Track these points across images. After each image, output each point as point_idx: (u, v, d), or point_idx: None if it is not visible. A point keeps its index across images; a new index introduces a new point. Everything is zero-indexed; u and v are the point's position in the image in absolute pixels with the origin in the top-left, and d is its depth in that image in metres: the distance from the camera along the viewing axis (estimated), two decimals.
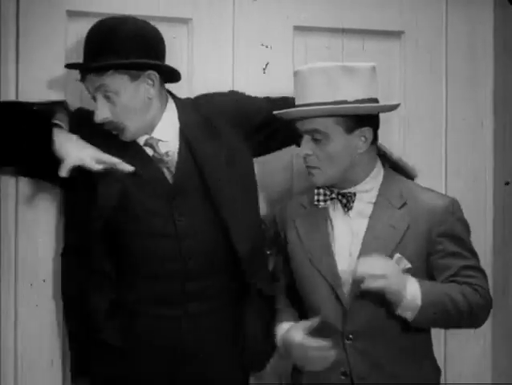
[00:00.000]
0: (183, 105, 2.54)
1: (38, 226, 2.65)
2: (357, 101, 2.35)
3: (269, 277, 2.54)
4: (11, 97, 2.63)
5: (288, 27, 2.86)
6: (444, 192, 2.88)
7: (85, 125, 2.46)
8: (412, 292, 2.27)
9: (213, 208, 2.45)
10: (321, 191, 2.44)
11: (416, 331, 2.37)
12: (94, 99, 2.43)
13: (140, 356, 2.44)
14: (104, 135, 2.45)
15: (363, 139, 2.38)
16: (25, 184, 2.64)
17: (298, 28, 2.87)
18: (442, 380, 2.65)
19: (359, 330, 2.36)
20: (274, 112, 2.47)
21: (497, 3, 3.00)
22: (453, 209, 2.38)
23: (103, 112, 2.41)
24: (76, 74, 2.51)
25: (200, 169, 2.46)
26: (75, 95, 2.69)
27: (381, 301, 2.31)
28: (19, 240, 2.65)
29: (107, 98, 2.41)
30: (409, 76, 2.97)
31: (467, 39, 3.01)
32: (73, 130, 2.45)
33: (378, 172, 2.45)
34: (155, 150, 2.48)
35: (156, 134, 2.49)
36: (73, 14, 2.70)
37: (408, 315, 2.29)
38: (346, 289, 2.37)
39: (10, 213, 2.64)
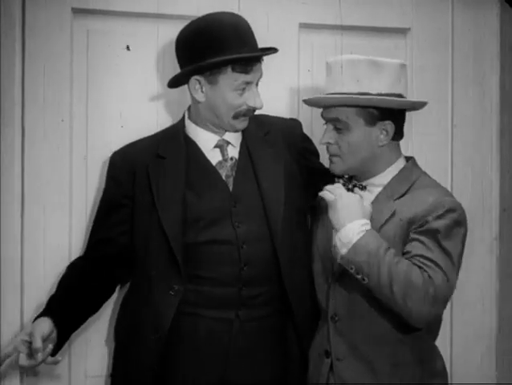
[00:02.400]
0: None
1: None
2: (380, 95, 2.38)
3: (308, 311, 2.54)
4: (16, 95, 2.65)
5: (293, 24, 2.86)
6: (449, 189, 2.87)
7: (133, 156, 2.54)
8: (355, 227, 2.30)
9: (266, 217, 2.50)
10: (340, 181, 2.47)
11: (397, 320, 2.35)
12: (244, 89, 2.46)
13: (190, 354, 2.46)
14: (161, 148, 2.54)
15: (384, 132, 2.42)
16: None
17: (303, 25, 2.87)
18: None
19: (340, 311, 2.41)
20: (303, 99, 2.54)
21: (502, 1, 2.99)
22: (442, 206, 2.33)
23: (260, 100, 2.49)
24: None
25: (257, 178, 2.51)
26: (82, 90, 2.71)
27: (361, 285, 2.33)
28: None
29: (257, 86, 2.48)
30: (415, 73, 2.96)
31: (473, 36, 3.00)
32: (127, 170, 2.53)
33: (395, 168, 2.46)
34: (223, 153, 2.53)
35: (226, 137, 2.54)
36: (78, 12, 2.71)
37: (343, 251, 2.29)
38: (335, 269, 2.42)
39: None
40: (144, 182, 2.50)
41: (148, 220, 2.47)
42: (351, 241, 2.29)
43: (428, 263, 2.28)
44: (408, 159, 2.51)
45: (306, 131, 2.71)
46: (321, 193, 2.38)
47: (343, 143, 2.41)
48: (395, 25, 2.94)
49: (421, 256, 2.29)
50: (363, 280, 2.29)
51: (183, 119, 2.59)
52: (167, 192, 2.47)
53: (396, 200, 2.40)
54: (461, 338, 3.01)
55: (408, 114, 2.95)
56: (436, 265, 2.28)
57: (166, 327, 2.43)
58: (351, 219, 2.31)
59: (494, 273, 3.03)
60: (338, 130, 2.42)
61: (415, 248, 2.31)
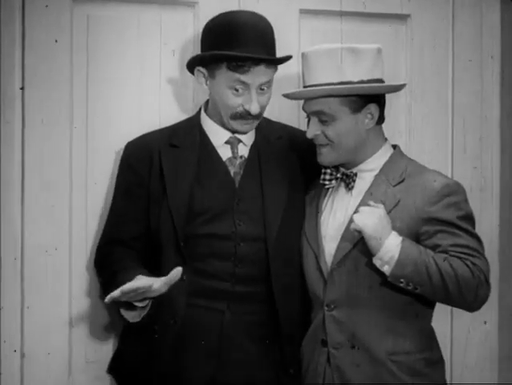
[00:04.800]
0: (261, 120, 2.58)
1: None
2: (362, 81, 2.38)
3: (295, 315, 2.54)
4: (16, 82, 2.65)
5: (294, 10, 2.86)
6: (450, 176, 2.88)
7: (148, 145, 2.54)
8: (391, 243, 2.28)
9: (263, 219, 2.51)
10: (328, 170, 2.48)
11: (396, 308, 2.38)
12: (239, 90, 2.44)
13: (182, 345, 2.48)
14: (176, 139, 2.54)
15: (369, 116, 2.42)
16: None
17: (304, 11, 2.87)
18: (448, 365, 2.66)
19: (337, 300, 2.41)
20: (283, 94, 2.51)
21: None
22: (447, 192, 2.35)
23: (256, 106, 2.45)
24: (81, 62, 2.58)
25: (261, 180, 2.52)
26: (82, 77, 2.72)
27: (360, 273, 2.37)
28: None
29: (262, 90, 2.46)
30: (415, 60, 2.96)
31: (474, 23, 3.00)
32: (143, 160, 2.52)
33: (384, 153, 2.47)
34: (233, 150, 2.54)
35: (238, 134, 2.54)
36: None
37: (386, 269, 2.29)
38: (328, 259, 2.43)
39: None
40: (158, 170, 2.51)
41: (159, 209, 2.49)
42: (394, 256, 2.28)
43: (465, 250, 2.31)
44: (394, 146, 2.51)
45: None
46: (352, 226, 2.32)
47: (331, 134, 2.40)
48: (395, 11, 2.94)
49: (455, 245, 2.31)
50: (416, 289, 2.30)
51: (199, 111, 2.61)
52: (177, 182, 2.48)
53: (395, 186, 2.41)
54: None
55: (407, 101, 2.97)
56: (472, 249, 2.32)
57: (181, 314, 2.46)
58: (385, 235, 2.29)
59: (496, 268, 3.00)
60: (323, 122, 2.41)
61: (443, 239, 2.32)
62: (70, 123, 2.70)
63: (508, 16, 3.00)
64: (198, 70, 2.49)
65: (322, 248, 2.46)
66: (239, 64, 2.40)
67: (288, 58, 2.50)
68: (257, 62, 2.40)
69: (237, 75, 2.41)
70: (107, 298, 2.24)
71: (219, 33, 2.44)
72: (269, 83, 2.46)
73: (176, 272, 2.26)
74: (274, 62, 2.46)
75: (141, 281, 2.27)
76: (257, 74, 2.42)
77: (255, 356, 2.51)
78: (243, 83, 2.42)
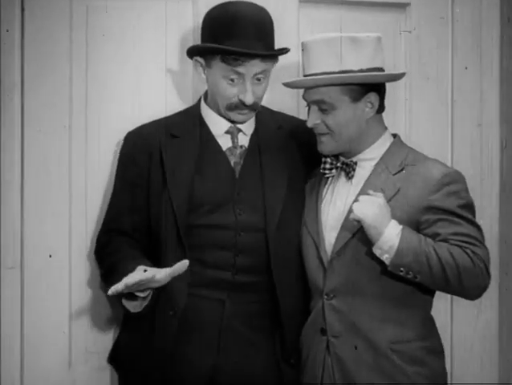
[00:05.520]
0: (261, 109, 2.58)
1: None
2: (362, 70, 2.38)
3: (296, 306, 2.54)
4: (16, 73, 2.65)
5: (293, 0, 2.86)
6: (450, 165, 2.88)
7: (148, 136, 2.55)
8: (391, 232, 2.29)
9: (264, 209, 2.51)
10: (328, 160, 2.49)
11: (397, 297, 2.38)
12: (234, 80, 2.44)
13: (183, 334, 2.48)
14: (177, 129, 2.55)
15: (369, 105, 2.42)
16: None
17: (303, 0, 2.86)
18: (448, 350, 2.65)
19: (336, 289, 2.41)
20: (283, 82, 2.52)
21: None
22: (447, 181, 2.36)
23: (250, 97, 2.45)
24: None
25: (262, 170, 2.53)
26: (81, 69, 2.71)
27: (359, 262, 2.37)
28: None
29: (258, 81, 2.46)
30: (415, 48, 2.96)
31: (473, 11, 3.00)
32: (142, 149, 2.53)
33: (384, 142, 2.47)
34: (233, 140, 2.54)
35: (238, 124, 2.55)
36: None
37: (386, 258, 2.30)
38: (328, 248, 2.43)
39: None
40: (158, 161, 2.51)
41: (160, 199, 2.49)
42: (394, 245, 2.29)
43: (466, 239, 2.31)
44: (394, 134, 2.52)
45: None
46: (351, 216, 2.33)
47: (331, 122, 2.41)
48: (394, 0, 2.94)
49: (455, 234, 2.31)
50: (415, 278, 2.30)
51: (199, 101, 2.61)
52: (178, 172, 2.49)
53: (395, 174, 2.41)
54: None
55: (407, 89, 2.97)
56: (472, 237, 2.32)
57: (181, 304, 2.46)
58: (385, 224, 2.30)
59: (496, 259, 2.99)
60: (323, 110, 2.41)
61: (443, 228, 2.33)
62: (69, 115, 2.70)
63: (507, 2, 3.00)
64: (196, 59, 2.50)
65: (322, 237, 2.46)
66: (233, 58, 2.41)
67: (284, 51, 2.51)
68: (251, 56, 2.41)
69: (231, 67, 2.43)
70: (111, 291, 2.24)
71: (216, 24, 2.45)
72: (265, 73, 2.47)
73: (183, 265, 2.26)
74: (269, 56, 2.46)
75: (144, 274, 2.26)
76: (251, 66, 2.43)
77: (256, 346, 2.52)
78: (238, 73, 2.43)
